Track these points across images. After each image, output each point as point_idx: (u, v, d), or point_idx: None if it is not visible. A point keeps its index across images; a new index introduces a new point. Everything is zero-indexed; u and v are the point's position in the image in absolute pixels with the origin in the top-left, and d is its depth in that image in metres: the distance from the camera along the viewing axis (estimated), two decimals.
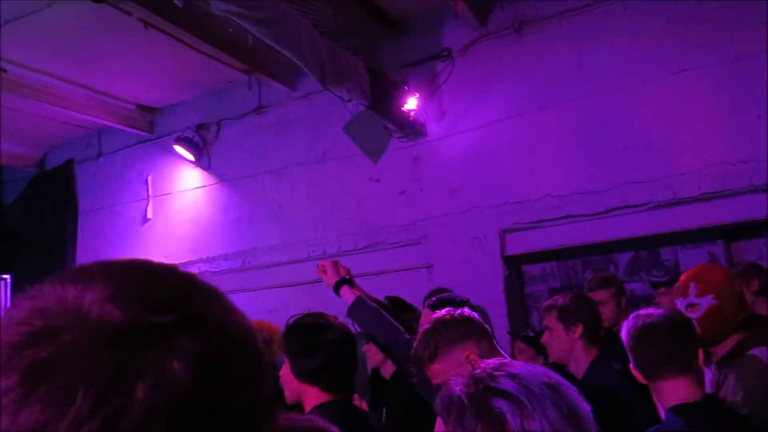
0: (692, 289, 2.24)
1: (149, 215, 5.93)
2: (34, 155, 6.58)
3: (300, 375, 1.73)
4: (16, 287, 5.74)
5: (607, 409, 2.09)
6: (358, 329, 2.51)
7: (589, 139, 4.04)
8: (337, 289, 2.52)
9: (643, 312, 1.87)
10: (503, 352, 1.82)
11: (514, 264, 4.37)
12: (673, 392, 1.72)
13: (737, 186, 3.57)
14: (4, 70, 4.85)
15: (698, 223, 3.71)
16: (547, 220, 4.14)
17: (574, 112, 4.09)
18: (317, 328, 1.77)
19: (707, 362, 2.09)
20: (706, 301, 2.19)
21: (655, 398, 1.82)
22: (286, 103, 5.38)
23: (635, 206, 3.87)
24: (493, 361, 0.72)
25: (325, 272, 2.57)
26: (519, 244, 4.26)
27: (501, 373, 0.68)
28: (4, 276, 5.81)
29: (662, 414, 1.77)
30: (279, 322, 2.71)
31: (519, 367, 0.70)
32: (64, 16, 4.24)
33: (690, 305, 2.22)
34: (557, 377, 0.70)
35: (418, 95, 4.54)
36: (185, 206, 5.83)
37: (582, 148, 4.06)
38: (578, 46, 4.10)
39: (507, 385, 0.66)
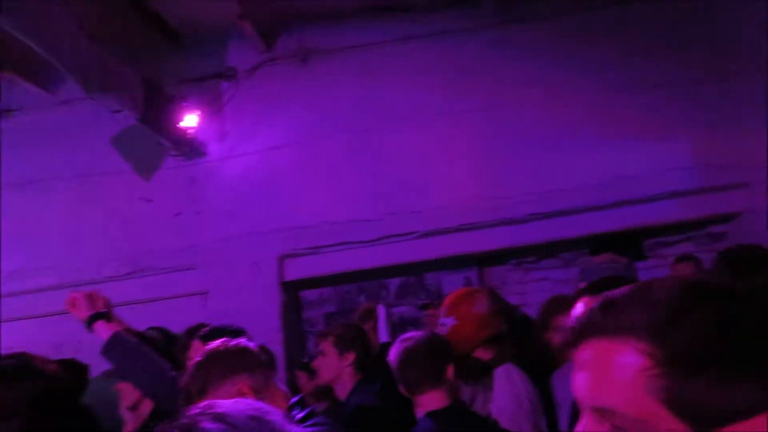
0: (443, 310, 2.51)
1: None
2: None
3: None
4: None
5: (367, 423, 2.23)
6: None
7: (366, 169, 4.25)
8: (90, 324, 2.24)
9: (405, 336, 2.05)
10: (279, 384, 1.78)
11: (291, 290, 4.36)
12: (428, 403, 1.96)
13: (488, 219, 4.05)
14: None
15: (457, 250, 4.11)
16: (325, 246, 4.22)
17: (354, 143, 4.28)
18: (17, 376, 1.29)
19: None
20: (449, 321, 2.46)
21: (416, 410, 1.98)
22: (42, 107, 4.73)
23: (404, 234, 4.15)
24: (201, 405, 0.72)
25: (75, 305, 2.25)
26: (297, 270, 4.28)
27: (206, 415, 0.69)
28: None
29: None
30: None
31: (224, 405, 0.72)
32: None
33: (441, 325, 2.49)
34: (263, 408, 0.73)
35: (198, 113, 4.34)
36: None
37: (359, 178, 4.25)
38: (362, 80, 4.31)
39: (211, 426, 0.67)
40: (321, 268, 4.25)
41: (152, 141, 4.36)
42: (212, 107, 4.46)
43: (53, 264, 4.52)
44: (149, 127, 4.15)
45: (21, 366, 1.34)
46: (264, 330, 4.02)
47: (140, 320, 3.95)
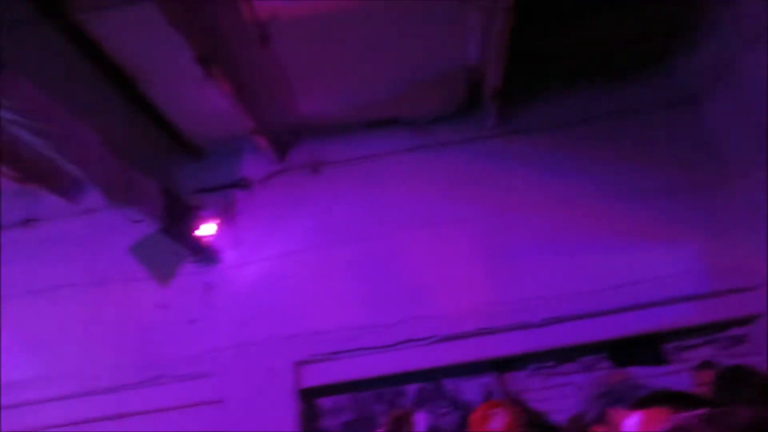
0: None
1: None
2: None
3: None
4: None
5: None
6: None
7: (380, 275, 4.29)
8: None
9: None
10: None
11: (308, 397, 4.30)
12: None
13: (504, 323, 4.03)
14: None
15: (474, 356, 4.07)
16: (341, 352, 4.20)
17: (367, 248, 4.35)
18: None
19: None
20: None
21: None
22: (63, 216, 4.86)
23: (421, 339, 4.13)
24: None
25: None
26: (314, 377, 4.23)
27: None
28: None
29: None
30: None
31: None
32: None
33: None
34: None
35: (214, 221, 4.45)
36: None
37: (373, 283, 4.28)
38: (371, 188, 4.44)
39: None
40: (338, 374, 4.21)
41: (170, 249, 4.44)
42: (227, 216, 4.57)
43: (71, 371, 4.50)
44: (168, 236, 4.24)
45: None
46: None
47: (156, 429, 3.92)
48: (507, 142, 4.35)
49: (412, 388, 4.23)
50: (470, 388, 4.09)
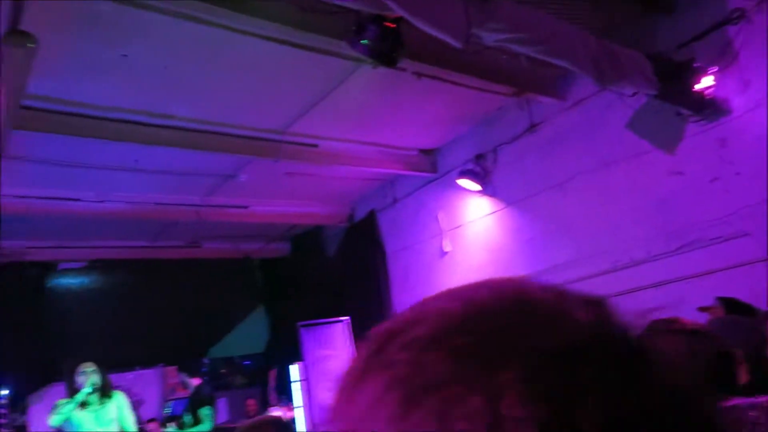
0: None
1: (446, 248, 6.32)
2: (343, 212, 7.62)
3: None
4: (353, 327, 6.66)
5: None
6: None
7: None
8: None
9: None
10: None
11: None
12: None
13: None
14: (315, 146, 5.75)
15: None
16: None
17: None
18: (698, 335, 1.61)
19: None
20: None
21: None
22: (558, 115, 5.29)
23: None
24: None
25: None
26: None
27: None
28: (344, 318, 6.79)
29: None
30: None
31: None
32: (352, 90, 4.85)
33: None
34: None
35: (711, 70, 4.04)
36: (477, 235, 6.06)
37: None
38: None
39: None
40: None
41: (668, 113, 4.28)
42: (724, 59, 4.08)
43: (601, 250, 4.91)
44: (665, 100, 4.10)
45: (693, 328, 1.61)
46: None
47: (696, 295, 3.90)
48: None
49: None
50: None
